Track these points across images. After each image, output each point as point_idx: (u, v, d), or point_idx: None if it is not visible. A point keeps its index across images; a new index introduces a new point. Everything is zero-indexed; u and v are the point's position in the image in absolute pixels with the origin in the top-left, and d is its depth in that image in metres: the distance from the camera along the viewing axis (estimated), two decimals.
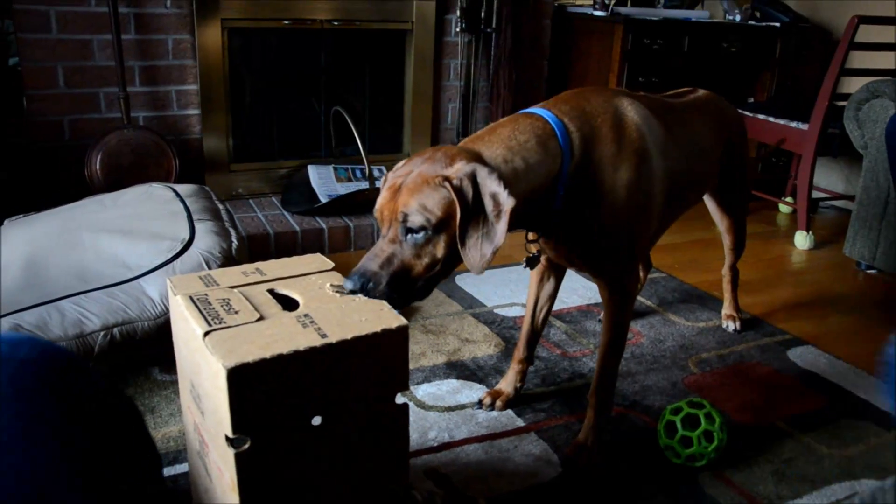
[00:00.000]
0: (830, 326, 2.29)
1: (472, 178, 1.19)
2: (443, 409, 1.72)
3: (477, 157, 1.23)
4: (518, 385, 1.75)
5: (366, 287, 1.19)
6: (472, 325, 2.14)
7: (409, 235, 1.20)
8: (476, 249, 1.20)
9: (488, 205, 1.19)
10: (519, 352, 1.75)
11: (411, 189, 1.19)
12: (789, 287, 2.63)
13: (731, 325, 2.21)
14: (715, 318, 2.28)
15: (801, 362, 2.04)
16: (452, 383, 1.83)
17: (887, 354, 0.89)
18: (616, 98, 1.46)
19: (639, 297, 2.40)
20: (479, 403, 1.73)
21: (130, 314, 1.75)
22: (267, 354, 1.00)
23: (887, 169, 2.46)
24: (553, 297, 1.73)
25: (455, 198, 1.17)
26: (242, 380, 0.98)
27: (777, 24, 3.58)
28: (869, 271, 2.79)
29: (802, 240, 3.04)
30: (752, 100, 3.63)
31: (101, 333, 1.71)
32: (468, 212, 1.18)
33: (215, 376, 1.00)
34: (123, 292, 1.78)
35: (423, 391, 1.79)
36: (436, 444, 1.59)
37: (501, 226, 1.19)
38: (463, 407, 1.73)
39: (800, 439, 1.69)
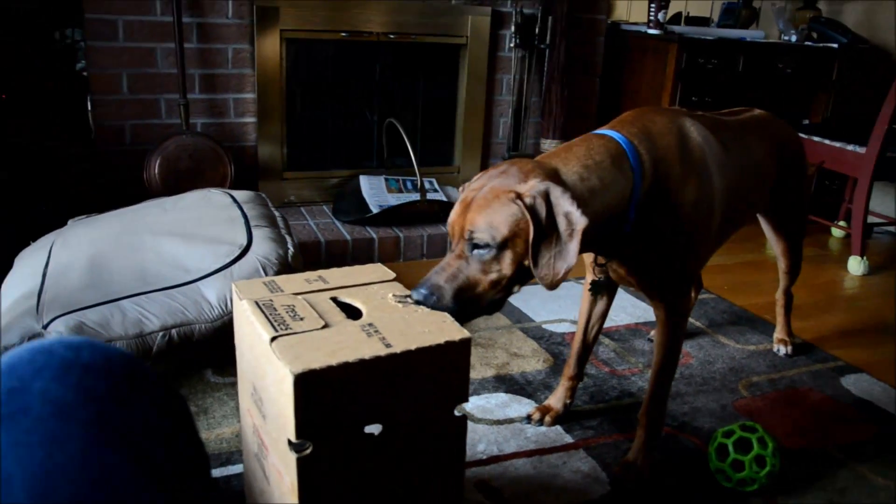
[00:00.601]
0: (885, 354, 2.25)
1: (546, 195, 1.19)
2: (491, 423, 1.72)
3: (553, 174, 1.24)
4: (567, 401, 1.75)
5: (430, 300, 1.21)
6: (520, 339, 2.15)
7: (475, 251, 1.21)
8: (549, 268, 1.21)
9: (561, 223, 1.19)
10: (569, 368, 1.75)
11: (481, 205, 1.20)
12: (842, 313, 2.58)
13: (782, 350, 2.18)
14: (766, 342, 2.25)
15: (855, 390, 2.01)
16: (501, 397, 1.84)
17: None
18: (678, 117, 1.46)
19: (689, 319, 2.37)
20: (528, 418, 1.74)
21: (188, 316, 1.79)
22: (333, 362, 1.02)
23: None
24: (605, 315, 1.73)
25: (528, 216, 1.18)
26: (308, 386, 1.00)
27: (835, 45, 3.53)
28: None
29: (856, 265, 2.99)
30: (807, 121, 3.58)
31: (160, 334, 1.75)
32: (541, 230, 1.19)
33: (281, 381, 1.02)
34: (182, 294, 1.83)
35: (472, 403, 1.80)
36: (485, 457, 1.59)
37: (574, 245, 1.19)
38: (511, 421, 1.74)
39: (854, 469, 1.66)
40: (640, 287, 1.51)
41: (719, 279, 2.76)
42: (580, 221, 1.18)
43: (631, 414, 1.80)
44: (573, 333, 2.16)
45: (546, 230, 1.19)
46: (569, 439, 1.68)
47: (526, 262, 1.22)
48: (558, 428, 1.72)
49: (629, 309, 2.42)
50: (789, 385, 2.01)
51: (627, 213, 1.33)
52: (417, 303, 1.22)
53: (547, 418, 1.73)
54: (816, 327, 2.40)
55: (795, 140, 1.93)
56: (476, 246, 1.21)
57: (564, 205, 1.19)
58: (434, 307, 1.20)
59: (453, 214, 1.25)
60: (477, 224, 1.19)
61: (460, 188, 1.31)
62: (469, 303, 1.22)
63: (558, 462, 1.60)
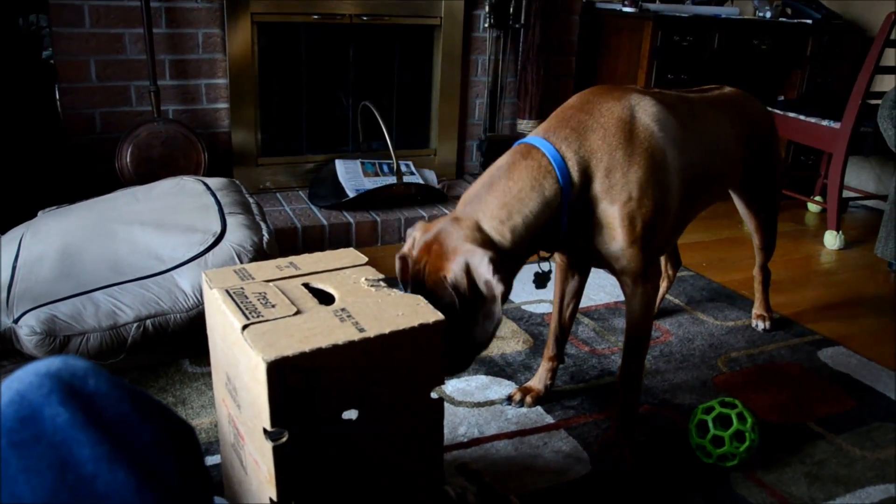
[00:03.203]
0: (861, 327, 2.27)
1: (465, 270, 1.26)
2: (472, 405, 1.72)
3: (474, 230, 1.31)
4: (548, 382, 1.75)
5: None
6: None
7: None
8: (480, 327, 1.29)
9: (483, 289, 1.26)
10: (549, 349, 1.75)
11: (427, 286, 1.30)
12: (819, 287, 2.60)
13: (760, 325, 2.19)
14: (744, 318, 2.26)
15: (832, 363, 2.02)
16: (481, 379, 1.83)
17: None
18: (625, 98, 1.46)
19: (667, 296, 2.38)
20: (509, 399, 1.74)
21: (163, 306, 1.76)
22: (306, 348, 1.00)
23: None
24: (579, 293, 1.72)
25: (454, 293, 1.27)
26: (281, 373, 0.98)
27: (808, 21, 3.54)
28: None
29: (832, 239, 3.01)
30: (782, 98, 3.59)
31: (135, 325, 1.72)
32: (466, 300, 1.27)
33: (254, 369, 1.00)
34: (156, 284, 1.80)
35: (452, 386, 1.79)
36: (465, 440, 1.59)
37: (497, 307, 1.26)
38: (492, 403, 1.73)
39: (832, 441, 1.67)
40: (603, 266, 1.52)
41: (697, 256, 2.76)
42: (498, 288, 1.25)
43: (611, 393, 1.80)
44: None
45: (472, 298, 1.27)
46: (549, 420, 1.68)
47: None
48: (539, 409, 1.72)
49: (608, 288, 2.42)
50: (768, 360, 2.03)
51: (560, 219, 1.38)
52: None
53: (528, 399, 1.73)
54: (794, 302, 2.42)
55: (766, 117, 1.93)
56: None
57: (484, 274, 1.25)
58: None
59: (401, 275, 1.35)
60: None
61: (400, 253, 1.39)
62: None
63: (539, 443, 1.59)
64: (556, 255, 1.67)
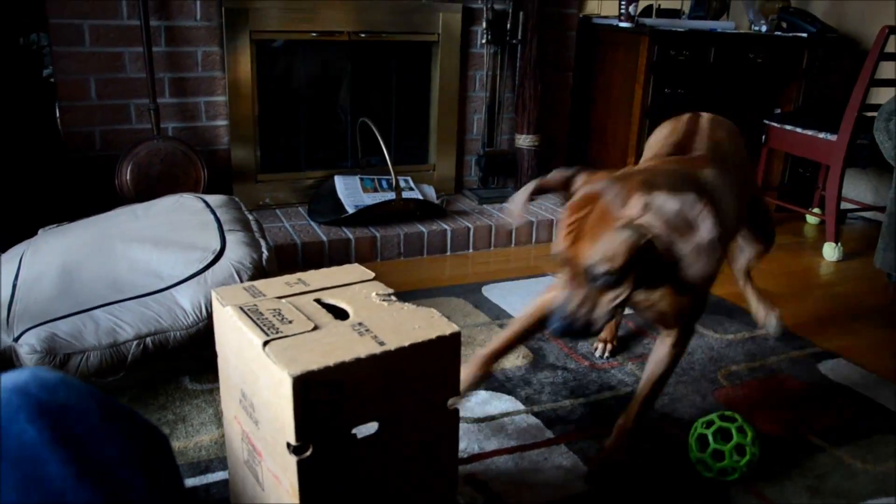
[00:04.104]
0: (861, 339, 2.27)
1: (652, 209, 1.20)
2: (472, 421, 1.72)
3: (647, 185, 1.25)
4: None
5: (568, 328, 1.29)
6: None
7: (595, 281, 1.25)
8: (695, 261, 1.20)
9: (679, 224, 1.19)
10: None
11: (592, 236, 1.23)
12: (818, 299, 2.60)
13: (773, 320, 2.20)
14: (743, 330, 2.26)
15: (833, 375, 2.02)
16: (481, 395, 1.83)
17: None
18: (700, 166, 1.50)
19: None
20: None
21: (163, 324, 1.77)
22: (330, 362, 1.02)
23: None
24: None
25: (640, 236, 1.21)
26: (306, 388, 1.00)
27: (804, 35, 3.56)
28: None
29: (831, 251, 3.02)
30: (778, 111, 3.61)
31: (135, 342, 1.72)
32: (658, 243, 1.22)
33: (278, 385, 1.02)
34: (156, 302, 1.80)
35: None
36: (466, 456, 1.59)
37: (706, 221, 1.18)
38: (492, 418, 1.73)
39: (833, 454, 1.67)
40: (661, 316, 1.51)
41: None
42: (700, 207, 1.19)
43: (610, 408, 1.80)
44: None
45: (679, 234, 1.19)
46: (550, 434, 1.68)
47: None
48: (539, 423, 1.72)
49: None
50: (768, 373, 2.03)
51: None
52: (558, 335, 1.32)
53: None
54: (794, 314, 2.42)
55: (737, 132, 1.88)
56: (595, 276, 1.25)
57: (673, 206, 1.19)
58: (574, 335, 1.31)
59: (562, 244, 1.28)
60: (594, 258, 1.23)
61: (557, 179, 1.34)
62: (592, 323, 1.30)
63: (540, 458, 1.59)
64: None
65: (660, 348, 1.57)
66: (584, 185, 1.29)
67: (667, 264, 1.27)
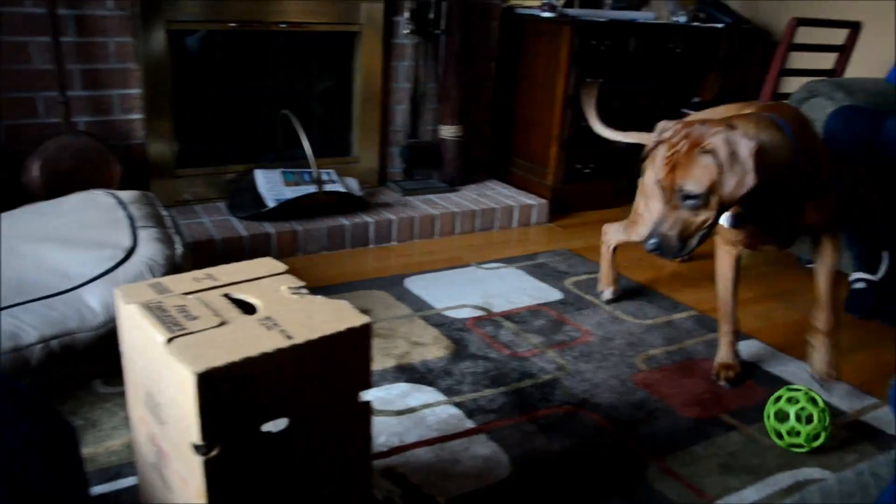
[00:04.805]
0: (774, 320, 2.34)
1: (725, 141, 1.49)
2: (392, 414, 1.71)
3: (729, 126, 1.53)
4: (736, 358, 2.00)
5: (662, 245, 1.56)
6: (421, 327, 2.14)
7: (687, 202, 1.53)
8: (738, 185, 1.50)
9: (740, 150, 1.49)
10: (728, 324, 1.96)
11: (683, 164, 1.51)
12: None
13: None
14: (662, 315, 2.31)
15: (746, 355, 2.08)
16: (402, 387, 1.82)
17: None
18: (792, 107, 1.80)
19: (586, 296, 2.42)
20: (717, 377, 1.96)
21: (70, 325, 1.70)
22: (235, 358, 1.00)
23: None
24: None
25: (714, 161, 1.49)
26: (211, 385, 0.98)
27: (720, 26, 3.64)
28: (809, 265, 2.86)
29: None
30: (697, 99, 3.69)
31: (39, 346, 1.66)
32: (724, 167, 1.49)
33: (182, 383, 0.99)
34: (63, 303, 1.74)
35: (372, 395, 1.76)
36: (386, 449, 1.58)
37: (751, 162, 1.47)
38: (413, 410, 1.73)
39: (744, 431, 1.72)
40: (809, 228, 1.83)
41: (618, 256, 2.81)
42: (752, 145, 1.48)
43: (532, 396, 1.82)
44: (474, 319, 2.18)
45: (730, 165, 1.49)
46: (470, 424, 1.68)
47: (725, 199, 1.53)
48: (460, 413, 1.72)
49: (529, 291, 2.44)
50: (685, 356, 2.07)
51: (789, 171, 1.60)
52: (652, 251, 1.58)
53: (731, 374, 1.94)
54: (709, 298, 2.47)
55: None
56: (686, 197, 1.52)
57: (740, 140, 1.49)
58: (666, 252, 1.57)
59: (661, 173, 1.56)
60: (686, 181, 1.51)
61: (653, 140, 1.64)
62: (686, 241, 1.57)
63: (460, 448, 1.60)
64: (724, 243, 1.95)
65: (823, 252, 1.87)
66: (681, 127, 1.57)
67: (776, 186, 1.59)
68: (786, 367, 2.03)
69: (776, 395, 1.68)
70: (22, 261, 1.86)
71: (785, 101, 2.07)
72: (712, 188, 1.51)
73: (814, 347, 1.92)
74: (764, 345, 2.16)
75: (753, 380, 1.96)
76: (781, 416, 1.65)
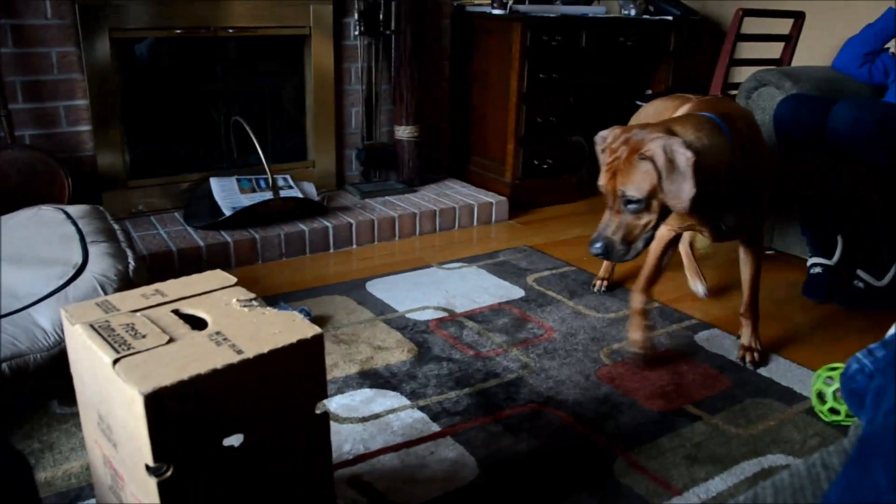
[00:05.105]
0: (734, 308, 2.36)
1: (663, 147, 1.51)
2: (357, 421, 1.69)
3: (669, 132, 1.55)
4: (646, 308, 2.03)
5: (607, 249, 1.59)
6: (384, 331, 2.12)
7: (629, 206, 1.56)
8: (676, 197, 1.52)
9: (678, 161, 1.50)
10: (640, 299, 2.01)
11: (624, 170, 1.54)
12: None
13: (700, 288, 2.45)
14: (624, 308, 2.32)
15: (708, 346, 2.10)
16: (366, 393, 1.81)
17: (851, 372, 0.91)
18: (736, 104, 1.95)
19: (549, 292, 2.43)
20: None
21: (20, 347, 1.65)
22: (184, 376, 0.98)
23: (778, 153, 2.56)
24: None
25: (652, 166, 1.52)
26: (160, 405, 0.95)
27: (669, 18, 3.68)
28: (767, 252, 2.90)
29: None
30: (650, 91, 3.72)
31: None
32: (662, 173, 1.51)
33: (130, 404, 0.97)
34: (12, 324, 1.68)
35: (336, 403, 1.76)
36: (351, 457, 1.56)
37: (689, 175, 1.49)
38: (377, 416, 1.71)
39: (708, 422, 1.73)
40: (734, 234, 1.85)
41: (579, 251, 2.82)
42: (690, 156, 1.49)
43: (497, 395, 1.81)
44: (437, 320, 2.18)
45: (668, 172, 1.51)
46: (436, 428, 1.67)
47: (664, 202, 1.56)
48: (424, 417, 1.71)
49: (491, 289, 2.44)
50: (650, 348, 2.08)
51: (727, 173, 1.63)
52: (597, 255, 1.61)
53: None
54: (671, 289, 2.50)
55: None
56: (629, 202, 1.55)
57: (678, 148, 1.51)
58: (612, 256, 1.60)
59: (604, 180, 1.59)
60: (627, 186, 1.54)
61: (598, 145, 1.67)
62: (631, 244, 1.59)
63: (426, 452, 1.58)
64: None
65: (748, 260, 1.97)
66: (620, 133, 1.59)
67: (715, 188, 1.62)
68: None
69: (815, 374, 1.78)
70: None
71: (730, 93, 2.09)
72: (653, 192, 1.54)
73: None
74: (725, 334, 2.18)
75: (719, 370, 1.98)
76: (822, 397, 1.74)
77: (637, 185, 1.54)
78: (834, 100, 2.35)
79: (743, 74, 3.25)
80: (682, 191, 1.51)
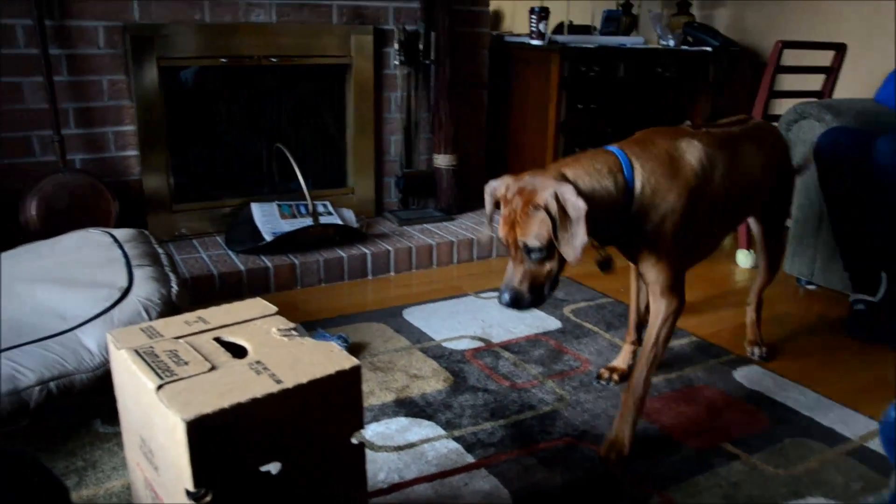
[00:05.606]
0: (774, 344, 2.34)
1: (555, 196, 1.48)
2: (392, 449, 1.70)
3: (561, 176, 1.54)
4: (630, 363, 2.05)
5: (516, 299, 1.55)
6: (420, 360, 2.13)
7: (531, 255, 1.53)
8: (569, 246, 1.49)
9: (570, 211, 1.47)
10: (630, 335, 2.09)
11: (521, 222, 1.52)
12: (733, 306, 2.68)
13: (756, 352, 2.25)
14: None
15: (747, 382, 2.08)
16: (401, 421, 1.81)
17: (891, 420, 0.91)
18: (677, 139, 1.71)
19: (585, 323, 2.42)
20: (598, 378, 2.06)
21: (67, 367, 1.69)
22: (225, 404, 1.00)
23: (818, 186, 2.53)
24: None
25: (545, 217, 1.49)
26: (202, 431, 0.97)
27: (708, 49, 3.68)
28: (809, 287, 2.86)
29: (744, 258, 3.11)
30: (688, 122, 3.71)
31: (37, 388, 1.65)
32: (556, 221, 1.49)
33: (172, 430, 0.99)
34: (59, 344, 1.73)
35: (371, 431, 1.77)
36: (385, 486, 1.57)
37: (581, 226, 1.47)
38: (412, 445, 1.72)
39: (747, 461, 1.71)
40: (638, 269, 1.77)
41: (615, 282, 2.81)
42: (582, 207, 1.46)
43: (532, 428, 1.81)
44: (473, 350, 2.18)
45: (561, 220, 1.48)
46: (470, 459, 1.67)
47: None
48: (459, 448, 1.71)
49: (528, 320, 2.44)
50: (685, 383, 2.07)
51: (622, 212, 1.60)
52: (507, 305, 1.56)
53: (615, 377, 2.05)
54: (709, 322, 2.48)
55: (786, 148, 2.12)
56: (530, 251, 1.53)
57: (570, 197, 1.47)
58: (520, 305, 1.56)
59: (503, 230, 1.56)
60: (526, 237, 1.51)
61: (490, 192, 1.61)
62: (539, 290, 1.57)
63: (460, 483, 1.58)
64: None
65: (650, 318, 1.77)
66: (513, 182, 1.56)
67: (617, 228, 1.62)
68: (787, 394, 2.02)
69: None
70: (19, 302, 1.86)
71: (709, 125, 1.95)
72: (552, 240, 1.51)
73: None
74: (765, 371, 2.15)
75: (758, 408, 1.95)
76: None
77: (536, 234, 1.50)
78: (876, 133, 2.33)
79: (783, 106, 3.23)
80: (575, 239, 1.47)
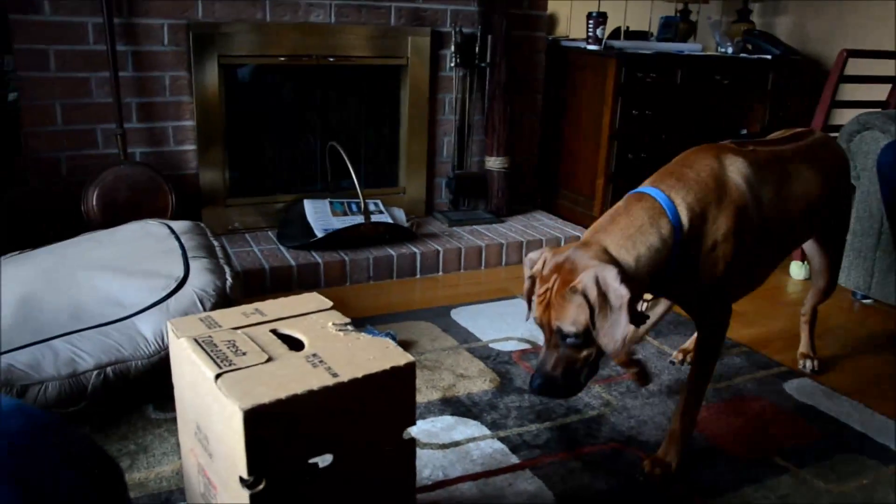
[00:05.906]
0: (827, 358, 2.29)
1: (595, 280, 1.35)
2: (437, 447, 1.71)
3: (602, 253, 1.41)
4: None
5: (548, 387, 1.43)
6: (467, 360, 2.14)
7: (567, 340, 1.40)
8: (609, 337, 1.36)
9: (611, 298, 1.34)
10: None
11: (557, 304, 1.39)
12: (785, 318, 2.63)
13: (808, 364, 2.20)
14: None
15: (798, 395, 2.04)
16: (447, 420, 1.82)
17: None
18: (719, 158, 1.59)
19: None
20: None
21: (124, 353, 1.75)
22: (282, 395, 1.02)
23: (880, 199, 2.47)
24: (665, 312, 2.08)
25: (583, 301, 1.36)
26: (258, 421, 0.99)
27: (768, 57, 3.62)
28: (864, 301, 2.79)
29: (798, 270, 3.05)
30: (745, 131, 3.66)
31: (95, 373, 1.70)
32: (594, 308, 1.36)
33: (230, 418, 1.01)
34: (117, 331, 1.78)
35: (417, 428, 1.78)
36: (430, 483, 1.58)
37: (623, 315, 1.33)
38: (458, 444, 1.72)
39: (797, 474, 1.68)
40: (687, 311, 1.69)
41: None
42: (624, 295, 1.33)
43: (578, 432, 1.80)
44: (520, 352, 2.18)
45: (601, 307, 1.35)
46: (515, 460, 1.67)
47: None
48: (504, 448, 1.71)
49: None
50: (735, 393, 2.03)
51: (672, 260, 1.48)
52: (537, 393, 1.45)
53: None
54: (761, 333, 2.44)
55: (846, 163, 1.99)
56: (565, 336, 1.39)
57: (612, 283, 1.34)
58: (554, 393, 1.46)
59: (538, 312, 1.43)
60: (562, 322, 1.38)
61: (529, 265, 1.48)
62: (574, 378, 1.44)
63: (504, 484, 1.59)
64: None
65: (695, 349, 1.68)
66: (551, 257, 1.43)
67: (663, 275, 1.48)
68: (840, 408, 1.98)
69: None
70: (78, 289, 1.91)
71: (756, 142, 1.81)
72: (588, 327, 1.38)
73: None
74: (817, 384, 2.11)
75: (809, 421, 1.91)
76: None
77: (572, 320, 1.37)
78: None
79: (845, 116, 3.16)
80: (616, 329, 1.34)
